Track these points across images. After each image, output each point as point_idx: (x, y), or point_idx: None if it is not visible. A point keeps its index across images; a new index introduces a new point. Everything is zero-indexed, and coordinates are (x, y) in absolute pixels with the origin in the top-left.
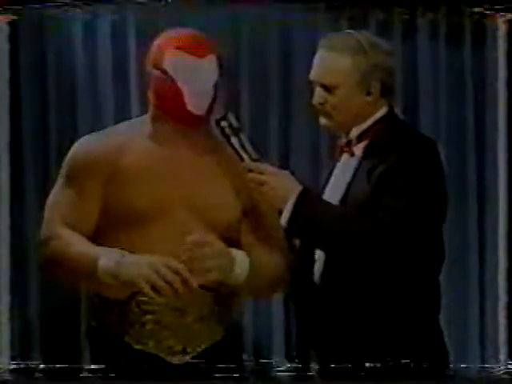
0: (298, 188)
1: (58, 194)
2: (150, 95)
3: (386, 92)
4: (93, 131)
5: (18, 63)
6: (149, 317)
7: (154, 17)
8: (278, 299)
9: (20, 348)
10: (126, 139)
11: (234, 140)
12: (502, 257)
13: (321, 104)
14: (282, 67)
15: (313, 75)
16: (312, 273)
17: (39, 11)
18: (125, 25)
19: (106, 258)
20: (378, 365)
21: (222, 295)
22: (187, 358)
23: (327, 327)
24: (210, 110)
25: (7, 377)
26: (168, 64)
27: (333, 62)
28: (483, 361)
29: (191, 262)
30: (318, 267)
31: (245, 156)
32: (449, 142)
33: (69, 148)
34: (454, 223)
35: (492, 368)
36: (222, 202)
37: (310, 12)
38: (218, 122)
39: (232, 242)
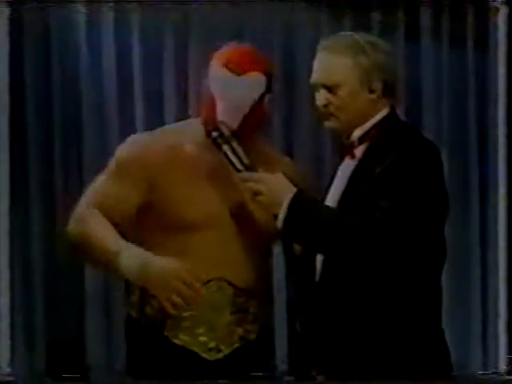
0: (292, 191)
1: (97, 184)
2: (198, 104)
3: (388, 92)
4: (97, 130)
5: (21, 62)
6: (187, 313)
7: (158, 15)
8: (279, 300)
9: (21, 348)
10: (177, 142)
11: (225, 148)
12: (502, 257)
13: (325, 106)
14: (284, 70)
15: (314, 78)
16: (313, 274)
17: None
18: (128, 23)
19: (128, 255)
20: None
21: (258, 296)
22: (221, 356)
23: (327, 328)
24: (244, 126)
25: (7, 377)
26: (211, 77)
27: (334, 62)
28: (484, 362)
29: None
30: (317, 268)
31: (237, 163)
32: (451, 143)
33: (72, 146)
34: (455, 223)
35: (493, 369)
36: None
37: (313, 14)
38: (209, 134)
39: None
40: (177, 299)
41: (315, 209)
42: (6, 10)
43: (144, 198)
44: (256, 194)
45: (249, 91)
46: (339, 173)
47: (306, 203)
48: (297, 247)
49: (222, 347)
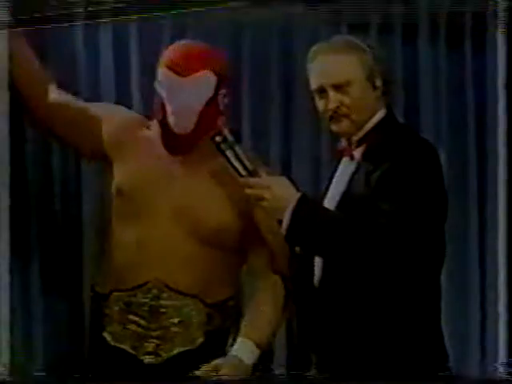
0: (296, 196)
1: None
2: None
3: (386, 89)
4: None
5: None
6: (124, 315)
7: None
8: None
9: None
10: (146, 126)
11: (229, 154)
12: (501, 257)
13: (337, 107)
14: (282, 72)
15: (320, 81)
16: (312, 278)
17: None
18: (127, 28)
19: None
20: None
21: (208, 302)
22: (159, 360)
23: (327, 331)
24: (199, 128)
25: (7, 377)
26: (158, 80)
27: (340, 61)
28: (483, 362)
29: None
30: (316, 273)
31: (241, 169)
32: (449, 144)
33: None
34: (454, 225)
35: (492, 370)
36: (211, 212)
37: (311, 17)
38: (212, 138)
39: (226, 247)
40: None
41: (320, 214)
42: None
43: (99, 144)
44: (259, 199)
45: (198, 93)
46: (338, 174)
47: (310, 208)
48: (296, 249)
49: (161, 352)
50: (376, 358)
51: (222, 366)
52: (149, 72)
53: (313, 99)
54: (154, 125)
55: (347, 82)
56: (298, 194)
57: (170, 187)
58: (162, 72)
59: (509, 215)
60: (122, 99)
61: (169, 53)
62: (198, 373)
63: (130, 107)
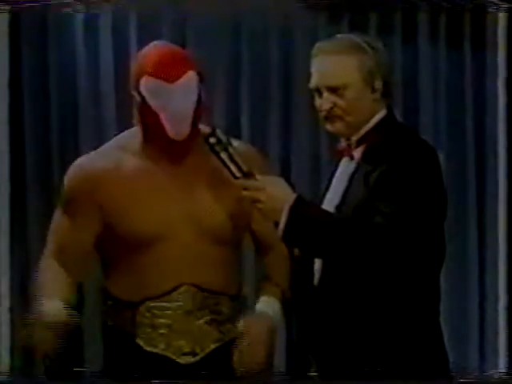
0: (292, 197)
1: (55, 221)
2: (135, 113)
3: (387, 91)
4: (94, 131)
5: (19, 62)
6: (161, 320)
7: (156, 14)
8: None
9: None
10: (120, 159)
11: (223, 155)
12: (501, 256)
13: (330, 108)
14: (282, 72)
15: (316, 81)
16: (311, 279)
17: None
18: (126, 21)
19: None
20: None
21: (229, 295)
22: (196, 359)
23: (326, 331)
24: (193, 130)
25: (7, 378)
26: (143, 89)
27: (338, 63)
28: (483, 362)
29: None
30: (316, 274)
31: (235, 171)
32: (449, 145)
33: (70, 147)
34: (454, 225)
35: (491, 370)
36: (215, 211)
37: (310, 16)
38: (206, 139)
39: (237, 242)
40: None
41: (316, 215)
42: (6, 14)
43: (99, 223)
44: (255, 201)
45: (188, 96)
46: (337, 174)
47: (306, 209)
48: (295, 251)
49: (197, 351)
50: (375, 358)
51: (252, 321)
52: None
53: (313, 97)
54: (135, 142)
55: (343, 85)
56: (294, 195)
57: (180, 198)
58: (146, 82)
59: (509, 215)
60: (122, 100)
61: (145, 60)
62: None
63: (129, 105)
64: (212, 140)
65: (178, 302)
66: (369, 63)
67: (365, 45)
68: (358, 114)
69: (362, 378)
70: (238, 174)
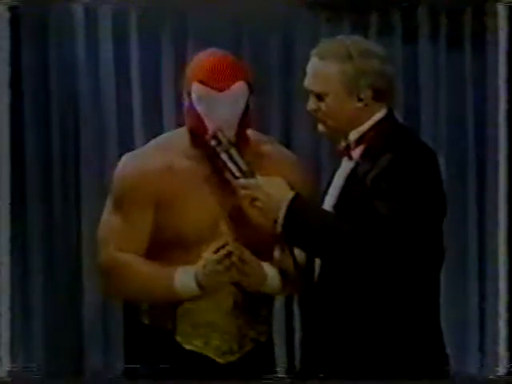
0: (289, 196)
1: (108, 219)
2: (185, 113)
3: (380, 97)
4: (94, 131)
5: (19, 62)
6: (200, 319)
7: (157, 15)
8: (278, 300)
9: (21, 349)
10: (171, 159)
11: (223, 156)
12: (501, 256)
13: (314, 111)
14: (282, 73)
15: (306, 83)
16: (311, 278)
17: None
18: (126, 22)
19: (183, 274)
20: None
21: (266, 296)
22: (234, 358)
23: (325, 330)
24: (240, 135)
25: (7, 378)
26: (193, 95)
27: (321, 69)
28: (483, 362)
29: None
30: (316, 273)
31: (235, 171)
32: (449, 146)
33: (70, 147)
34: (454, 225)
35: (492, 370)
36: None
37: (311, 16)
38: (207, 142)
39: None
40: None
41: (314, 213)
42: (6, 14)
43: (154, 219)
44: (253, 200)
45: (236, 105)
46: (337, 175)
47: (303, 208)
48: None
49: (235, 350)
50: (375, 357)
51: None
52: (149, 72)
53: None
54: (182, 143)
55: (324, 92)
56: (292, 194)
57: (223, 202)
58: (196, 87)
59: (509, 215)
60: (122, 98)
61: (199, 65)
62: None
63: (130, 106)
64: (213, 142)
65: (221, 300)
66: (351, 71)
67: (354, 52)
68: (338, 121)
69: (361, 378)
70: (237, 174)
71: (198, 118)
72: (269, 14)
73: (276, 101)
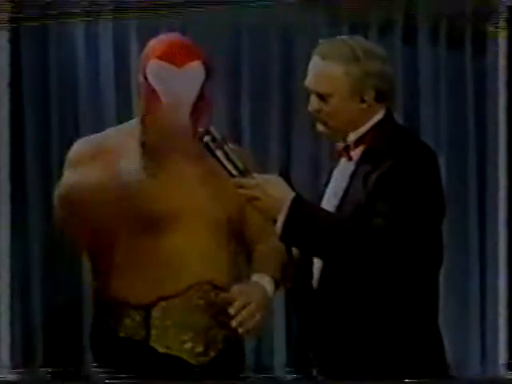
0: (290, 196)
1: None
2: (139, 101)
3: (382, 98)
4: (94, 132)
5: (19, 62)
6: (172, 320)
7: (156, 20)
8: (278, 300)
9: (21, 349)
10: (124, 139)
11: (218, 153)
12: (501, 256)
13: (316, 111)
14: (282, 73)
15: (308, 82)
16: (310, 279)
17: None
18: (126, 28)
19: None
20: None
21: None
22: (207, 359)
23: (325, 332)
24: (192, 121)
25: (8, 377)
26: (149, 72)
27: (326, 70)
28: (483, 362)
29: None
30: (315, 274)
31: (231, 169)
32: (449, 147)
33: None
34: (454, 226)
35: (491, 369)
36: (217, 204)
37: (311, 16)
38: (201, 138)
39: (236, 235)
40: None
41: (314, 214)
42: (6, 14)
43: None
44: (252, 199)
45: (191, 83)
46: (335, 176)
47: (305, 208)
48: (295, 252)
49: (207, 351)
50: (374, 358)
51: (241, 291)
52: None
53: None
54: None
55: (328, 92)
56: (293, 194)
57: (183, 190)
58: (153, 63)
59: (509, 215)
60: (122, 100)
61: (158, 45)
62: (231, 311)
63: (130, 107)
64: (206, 138)
65: (193, 300)
66: (357, 73)
67: (360, 52)
68: (341, 121)
69: (361, 379)
70: (234, 172)
71: (155, 99)
72: (269, 14)
73: (276, 101)
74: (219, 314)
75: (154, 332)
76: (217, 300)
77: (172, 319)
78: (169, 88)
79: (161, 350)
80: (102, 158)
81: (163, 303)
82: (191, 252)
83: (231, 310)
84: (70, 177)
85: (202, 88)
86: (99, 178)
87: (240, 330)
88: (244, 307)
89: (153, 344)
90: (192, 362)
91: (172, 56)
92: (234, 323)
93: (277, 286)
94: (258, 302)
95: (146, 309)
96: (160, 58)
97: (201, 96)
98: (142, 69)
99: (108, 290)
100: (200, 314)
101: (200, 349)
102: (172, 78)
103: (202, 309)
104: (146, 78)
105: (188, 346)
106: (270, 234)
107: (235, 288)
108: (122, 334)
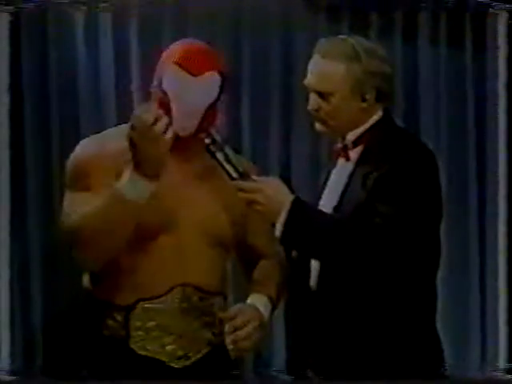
0: (290, 199)
1: (66, 200)
2: (152, 97)
3: (382, 97)
4: (94, 132)
5: (19, 62)
6: (154, 322)
7: (156, 15)
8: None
9: (21, 350)
10: (123, 147)
11: (219, 156)
12: (501, 257)
13: (316, 110)
14: (282, 73)
15: (308, 81)
16: (308, 281)
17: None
18: (126, 21)
19: (124, 183)
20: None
21: (222, 297)
22: (189, 363)
23: (324, 333)
24: (199, 130)
25: (7, 378)
26: (164, 77)
27: (327, 68)
28: (483, 362)
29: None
30: (313, 275)
31: (232, 172)
32: (449, 147)
33: (70, 148)
34: (454, 226)
35: (491, 370)
36: (218, 214)
37: (311, 15)
38: (201, 140)
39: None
40: None
41: (314, 216)
42: (6, 15)
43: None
44: (252, 203)
45: (205, 93)
46: (334, 176)
47: (304, 211)
48: (293, 253)
49: (190, 354)
50: (372, 359)
51: (240, 311)
52: (149, 72)
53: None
54: None
55: (329, 91)
56: (292, 197)
57: (182, 196)
58: (171, 69)
59: (509, 215)
60: (122, 98)
61: (176, 49)
62: (221, 315)
63: (131, 106)
64: (207, 140)
65: (174, 303)
66: (358, 72)
67: (361, 51)
68: (341, 121)
69: (358, 380)
70: (234, 175)
71: (166, 104)
72: (269, 14)
73: (276, 102)
74: (202, 317)
75: (133, 334)
76: (216, 320)
77: (154, 321)
78: (181, 97)
79: (141, 352)
80: (102, 174)
81: (143, 305)
82: (174, 255)
83: (227, 328)
84: (76, 204)
85: (215, 99)
86: (105, 206)
87: (231, 347)
88: (241, 327)
89: (132, 346)
90: (172, 365)
91: (189, 64)
92: (227, 340)
93: (274, 307)
94: (255, 325)
95: (127, 310)
96: (177, 64)
97: (212, 106)
98: (159, 71)
99: (96, 290)
100: (182, 317)
101: (181, 352)
102: (186, 86)
103: (184, 312)
104: (160, 81)
105: (169, 348)
106: (276, 247)
107: (235, 307)
108: (106, 333)
